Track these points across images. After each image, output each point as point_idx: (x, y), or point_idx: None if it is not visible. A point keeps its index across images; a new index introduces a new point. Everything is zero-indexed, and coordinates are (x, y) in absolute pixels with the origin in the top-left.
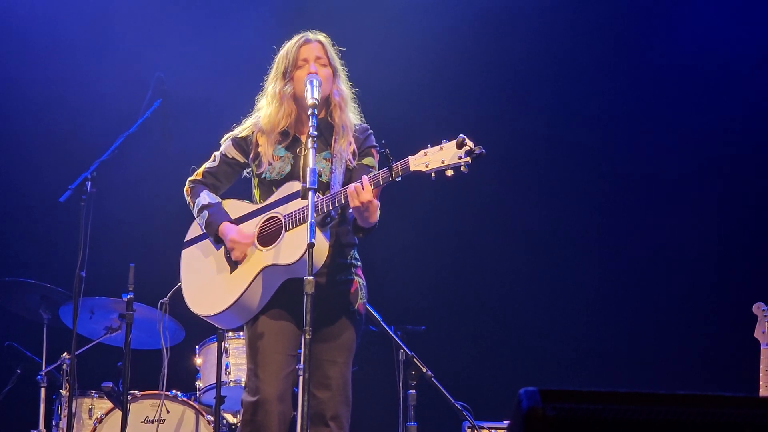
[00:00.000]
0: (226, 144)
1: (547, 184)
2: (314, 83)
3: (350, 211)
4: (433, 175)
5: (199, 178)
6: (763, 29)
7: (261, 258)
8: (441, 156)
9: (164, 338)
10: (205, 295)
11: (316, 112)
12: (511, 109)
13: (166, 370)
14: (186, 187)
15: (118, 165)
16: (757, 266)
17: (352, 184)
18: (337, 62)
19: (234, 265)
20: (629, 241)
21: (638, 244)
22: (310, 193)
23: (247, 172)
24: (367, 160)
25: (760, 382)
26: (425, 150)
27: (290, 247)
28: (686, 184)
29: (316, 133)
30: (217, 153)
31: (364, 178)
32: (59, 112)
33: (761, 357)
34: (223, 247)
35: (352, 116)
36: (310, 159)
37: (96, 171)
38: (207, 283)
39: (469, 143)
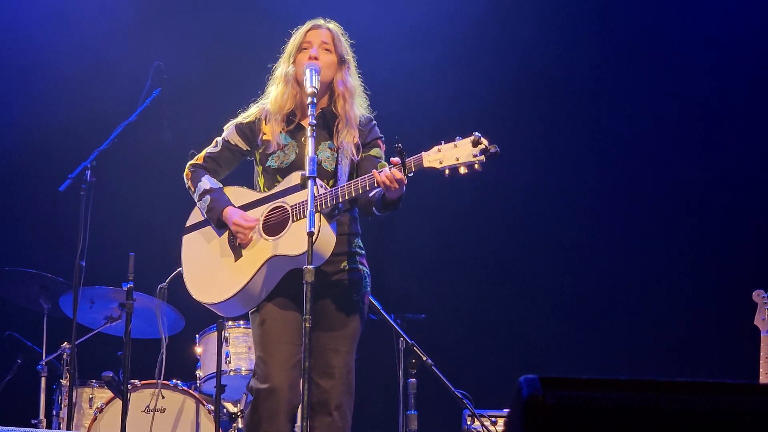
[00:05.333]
0: (229, 130)
1: (546, 172)
2: (313, 72)
3: (373, 193)
4: (447, 172)
5: (199, 162)
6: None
7: (267, 248)
8: (455, 153)
9: (162, 325)
10: (209, 282)
11: (315, 101)
12: (509, 104)
13: (164, 357)
14: (186, 171)
15: (118, 154)
16: (757, 253)
17: (383, 174)
18: (345, 52)
19: (238, 252)
20: (628, 230)
21: (637, 233)
22: (309, 181)
23: (250, 158)
24: (374, 151)
25: (761, 370)
26: (439, 146)
27: (297, 238)
28: (686, 172)
29: (315, 122)
30: (219, 138)
31: (383, 174)
32: (59, 101)
33: (761, 344)
34: (226, 233)
35: (358, 109)
36: (310, 147)
37: (95, 160)
38: (210, 270)
39: (484, 141)
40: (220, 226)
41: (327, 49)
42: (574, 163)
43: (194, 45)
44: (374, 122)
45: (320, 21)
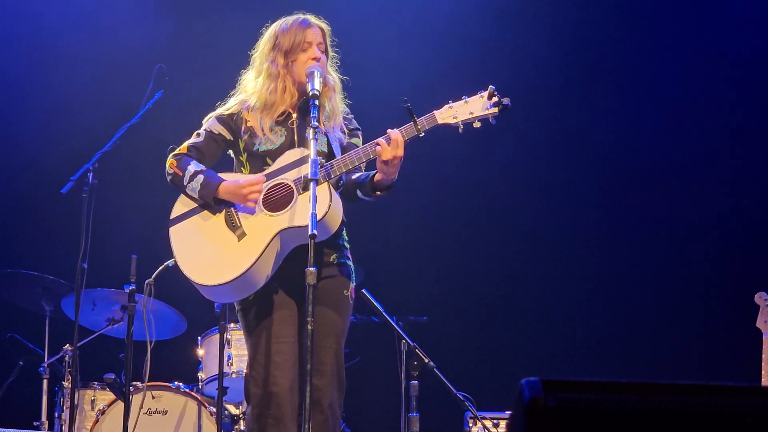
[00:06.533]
0: (210, 122)
1: (548, 175)
2: (316, 74)
3: (357, 177)
4: (461, 128)
5: (183, 152)
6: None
7: (274, 222)
8: (468, 108)
9: (149, 323)
10: (212, 264)
11: (317, 103)
12: (516, 104)
13: (149, 356)
14: (169, 160)
15: (120, 156)
16: (759, 256)
17: (381, 138)
18: (330, 50)
19: (240, 232)
20: (630, 232)
21: (639, 235)
22: (312, 183)
23: (229, 151)
24: (355, 140)
25: (763, 372)
26: (450, 104)
27: (307, 209)
28: (687, 174)
29: (317, 124)
30: (200, 130)
31: (393, 131)
32: (60, 103)
33: (763, 347)
34: (222, 214)
35: (339, 102)
36: (312, 150)
37: (98, 162)
38: (212, 252)
39: (496, 95)
40: (217, 203)
41: (322, 51)
42: (577, 165)
43: (196, 47)
44: (351, 115)
45: (312, 18)
